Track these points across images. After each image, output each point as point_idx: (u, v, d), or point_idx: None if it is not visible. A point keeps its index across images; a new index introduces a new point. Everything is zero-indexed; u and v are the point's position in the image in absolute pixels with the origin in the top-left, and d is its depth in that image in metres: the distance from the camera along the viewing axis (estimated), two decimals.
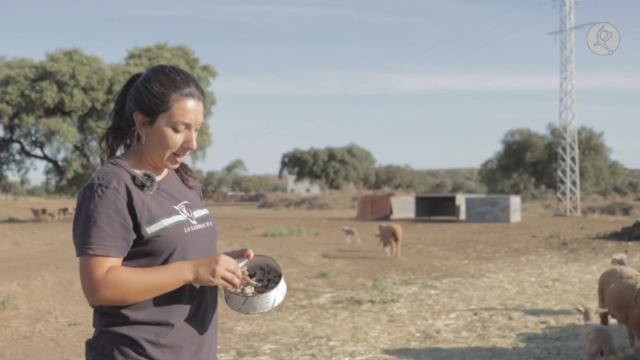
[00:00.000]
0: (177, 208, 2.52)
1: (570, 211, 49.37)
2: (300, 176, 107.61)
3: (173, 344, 2.43)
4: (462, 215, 41.72)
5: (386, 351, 7.91)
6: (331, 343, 8.28)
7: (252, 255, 2.55)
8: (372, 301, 11.20)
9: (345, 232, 24.71)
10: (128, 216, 2.36)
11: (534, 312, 10.19)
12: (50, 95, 43.28)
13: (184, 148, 2.49)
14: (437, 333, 8.82)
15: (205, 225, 2.60)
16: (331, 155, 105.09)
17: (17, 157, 49.74)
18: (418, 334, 8.78)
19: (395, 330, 9.02)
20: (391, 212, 45.02)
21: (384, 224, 21.05)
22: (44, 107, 44.22)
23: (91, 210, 2.33)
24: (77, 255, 2.37)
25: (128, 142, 2.61)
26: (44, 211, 45.46)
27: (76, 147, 47.75)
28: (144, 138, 2.50)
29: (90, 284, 2.31)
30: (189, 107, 2.44)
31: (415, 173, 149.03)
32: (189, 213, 2.56)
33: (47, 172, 50.85)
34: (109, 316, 2.42)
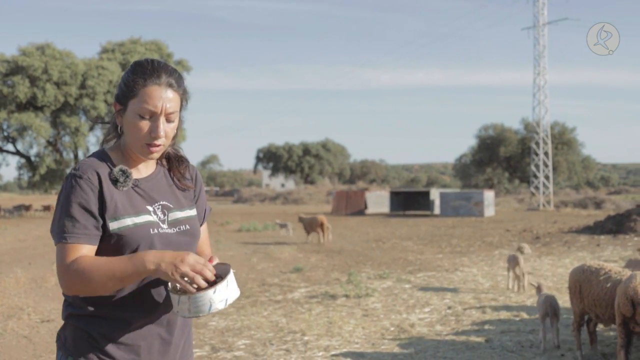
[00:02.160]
0: (150, 208, 2.51)
1: (544, 205, 49.76)
2: (275, 171, 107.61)
3: (129, 342, 2.43)
4: (437, 210, 41.90)
5: (361, 345, 7.94)
6: (306, 338, 8.29)
7: (214, 261, 2.44)
8: (346, 296, 11.22)
9: (280, 225, 25.26)
10: (97, 206, 2.40)
11: (507, 306, 10.27)
12: (23, 89, 42.83)
13: (152, 137, 2.45)
14: (412, 327, 8.86)
15: (179, 229, 2.56)
16: (306, 150, 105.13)
17: None
18: (392, 328, 8.82)
19: (370, 325, 9.05)
20: (366, 207, 45.13)
21: (304, 215, 23.48)
22: (16, 101, 43.75)
23: (66, 200, 2.38)
24: (55, 244, 2.41)
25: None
26: None
27: (49, 143, 47.34)
28: (121, 128, 2.53)
29: (59, 272, 2.35)
30: (154, 93, 2.43)
31: (390, 168, 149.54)
32: (163, 215, 2.53)
33: (19, 168, 50.32)
34: (72, 307, 2.46)
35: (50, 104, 44.09)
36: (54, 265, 15.30)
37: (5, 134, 47.72)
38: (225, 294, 2.32)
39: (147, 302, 2.45)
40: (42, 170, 46.12)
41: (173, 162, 2.70)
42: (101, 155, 2.53)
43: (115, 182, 2.46)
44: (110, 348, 2.41)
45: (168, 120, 2.48)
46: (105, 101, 44.60)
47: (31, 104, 44.82)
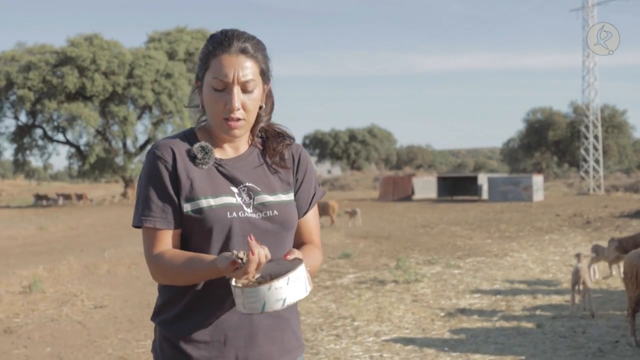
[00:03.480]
0: (234, 190, 2.30)
1: (594, 190, 49.01)
2: (321, 157, 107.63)
3: (209, 339, 2.25)
4: (485, 195, 41.54)
5: (411, 331, 7.92)
6: (356, 323, 8.30)
7: (290, 256, 2.18)
8: (395, 281, 11.20)
9: (350, 213, 24.56)
10: (172, 186, 2.26)
11: (559, 291, 10.15)
12: (72, 80, 43.51)
13: (228, 110, 2.25)
14: (462, 313, 8.81)
15: (265, 214, 2.31)
16: (352, 136, 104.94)
17: (40, 142, 50.11)
18: (442, 314, 8.78)
19: (420, 310, 9.02)
20: (413, 192, 44.93)
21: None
22: (66, 92, 44.48)
23: (143, 180, 2.29)
24: (133, 225, 2.32)
25: None
26: (46, 197, 45.44)
27: (98, 132, 48.01)
28: (203, 107, 2.35)
29: (146, 260, 2.27)
30: (224, 62, 2.24)
31: (437, 153, 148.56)
32: (249, 198, 2.31)
33: (69, 157, 51.12)
34: (157, 306, 2.37)
35: (98, 93, 44.71)
36: (106, 253, 15.63)
37: (56, 124, 48.54)
38: (283, 292, 2.04)
39: (220, 293, 2.25)
40: (92, 159, 46.78)
41: (270, 140, 2.46)
42: (185, 133, 2.38)
43: (194, 158, 2.28)
44: (189, 347, 2.25)
45: (245, 91, 2.27)
46: (153, 90, 45.04)
47: (80, 94, 45.51)
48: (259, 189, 2.34)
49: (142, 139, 49.93)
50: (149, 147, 51.65)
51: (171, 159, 2.27)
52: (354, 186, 68.09)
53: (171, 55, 47.68)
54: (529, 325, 8.05)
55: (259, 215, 2.30)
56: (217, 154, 2.35)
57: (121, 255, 15.14)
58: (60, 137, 49.91)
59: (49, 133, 49.54)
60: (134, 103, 46.97)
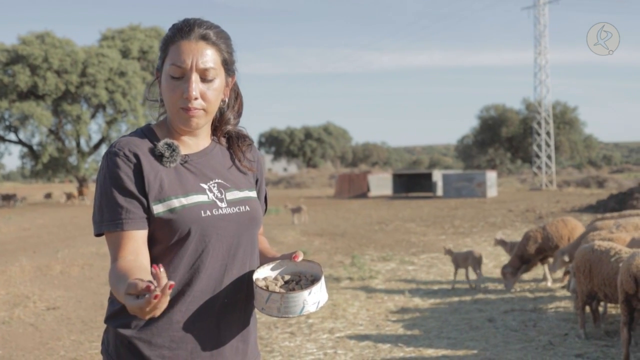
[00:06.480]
0: (204, 186, 2.21)
1: (546, 185, 49.69)
2: (277, 155, 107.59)
3: (170, 345, 2.14)
4: (439, 191, 41.87)
5: (365, 327, 7.98)
6: (310, 320, 8.33)
7: (299, 258, 2.26)
8: (350, 278, 11.26)
9: (294, 210, 24.34)
10: (137, 186, 2.11)
11: None
12: (23, 78, 42.81)
13: (185, 98, 2.12)
14: (415, 308, 8.90)
15: (239, 209, 2.24)
16: (308, 134, 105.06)
17: None
18: (396, 310, 8.86)
19: (374, 307, 9.09)
20: (368, 190, 45.11)
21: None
22: (17, 91, 43.74)
23: (103, 182, 2.11)
24: (95, 234, 2.15)
25: None
26: None
27: (51, 131, 47.31)
28: (162, 99, 2.25)
29: None
30: (182, 48, 2.13)
31: (392, 150, 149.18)
32: (220, 194, 2.23)
33: (22, 157, 50.36)
34: (112, 306, 2.20)
35: (51, 92, 44.04)
36: (59, 254, 15.42)
37: (7, 123, 47.71)
38: (318, 296, 2.15)
39: (195, 296, 2.16)
40: (45, 159, 46.10)
41: (234, 140, 2.39)
42: (143, 131, 2.25)
43: (160, 157, 2.16)
44: (151, 352, 2.13)
45: (204, 80, 2.16)
46: (106, 88, 44.52)
47: (32, 93, 44.79)
48: (228, 184, 2.27)
49: (95, 138, 49.31)
50: (103, 146, 50.64)
51: (135, 158, 2.13)
52: (309, 184, 68.15)
53: (125, 54, 47.18)
54: (482, 319, 8.17)
55: (233, 210, 2.23)
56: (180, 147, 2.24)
57: (74, 256, 14.97)
58: (12, 136, 49.07)
59: (1, 132, 48.72)
60: (87, 102, 46.37)
